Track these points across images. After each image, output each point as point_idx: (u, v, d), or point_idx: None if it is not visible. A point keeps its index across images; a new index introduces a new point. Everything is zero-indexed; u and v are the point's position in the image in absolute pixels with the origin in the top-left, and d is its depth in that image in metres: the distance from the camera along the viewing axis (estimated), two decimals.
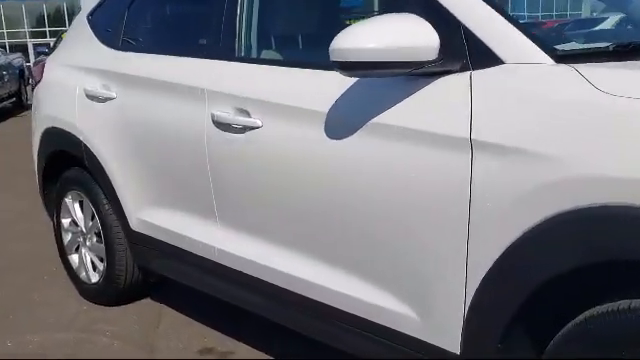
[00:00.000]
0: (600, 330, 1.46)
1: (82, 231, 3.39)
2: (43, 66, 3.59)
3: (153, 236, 2.88)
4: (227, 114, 2.31)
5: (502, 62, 1.62)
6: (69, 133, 3.19)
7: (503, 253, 1.58)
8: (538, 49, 1.60)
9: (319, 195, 2.04)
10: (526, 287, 1.56)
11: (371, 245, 1.92)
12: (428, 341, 1.82)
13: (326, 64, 1.97)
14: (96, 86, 3.02)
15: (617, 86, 1.42)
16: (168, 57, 2.71)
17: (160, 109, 2.64)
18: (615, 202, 1.37)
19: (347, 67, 1.70)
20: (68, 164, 3.37)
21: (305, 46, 2.50)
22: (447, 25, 1.70)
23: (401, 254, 1.84)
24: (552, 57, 1.58)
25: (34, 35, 37.94)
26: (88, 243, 3.36)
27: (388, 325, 1.94)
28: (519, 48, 1.61)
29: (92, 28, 3.26)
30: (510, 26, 1.65)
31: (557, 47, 1.65)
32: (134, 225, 2.96)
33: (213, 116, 2.36)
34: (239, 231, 2.42)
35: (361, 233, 1.93)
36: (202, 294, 2.78)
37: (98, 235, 3.28)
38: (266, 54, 2.42)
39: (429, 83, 1.72)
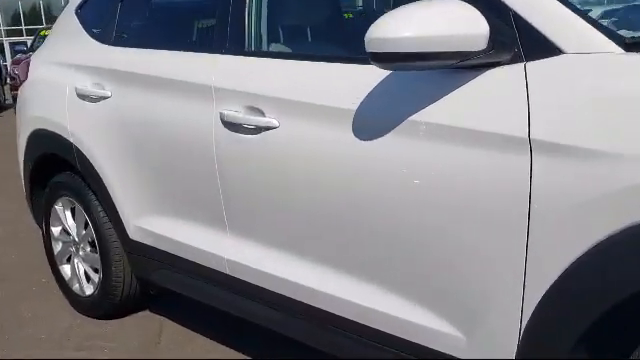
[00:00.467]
0: None
1: (74, 240, 3.17)
2: (28, 64, 3.36)
3: (154, 245, 2.67)
4: (238, 113, 2.11)
5: (561, 52, 1.43)
6: (59, 135, 2.97)
7: (568, 268, 1.40)
8: (603, 37, 1.41)
9: (345, 201, 1.85)
10: (595, 308, 1.38)
11: (409, 258, 1.74)
12: None
13: (354, 56, 1.81)
14: (87, 84, 2.80)
15: None
16: (168, 52, 2.49)
17: (161, 108, 2.43)
18: None
19: (385, 59, 1.51)
20: (58, 168, 3.15)
21: (326, 37, 2.29)
22: (494, 11, 1.51)
23: (444, 268, 1.65)
24: (620, 45, 1.39)
25: (10, 33, 37.28)
26: (81, 253, 3.14)
27: (426, 344, 1.75)
28: (581, 36, 1.43)
29: (81, 22, 3.04)
30: (568, 11, 1.46)
31: (624, 34, 1.47)
32: (132, 234, 2.75)
33: (222, 115, 2.16)
34: (252, 241, 2.22)
35: (396, 245, 1.75)
36: (204, 306, 2.58)
37: (92, 244, 3.07)
38: (281, 47, 2.22)
39: (476, 76, 1.53)
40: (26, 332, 3.13)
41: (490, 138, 1.49)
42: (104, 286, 3.01)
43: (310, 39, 2.30)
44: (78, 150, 2.86)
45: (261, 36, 2.20)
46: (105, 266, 2.96)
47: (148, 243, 2.69)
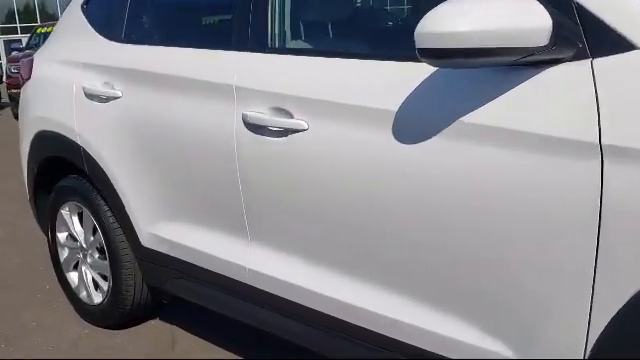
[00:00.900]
0: None
1: (82, 246, 3.03)
2: (31, 62, 3.21)
3: (168, 253, 2.53)
4: (262, 114, 1.97)
5: (634, 47, 1.30)
6: (65, 137, 2.82)
7: None
8: None
9: (383, 209, 1.72)
10: None
11: (455, 272, 1.60)
12: None
13: (391, 53, 1.67)
14: (96, 84, 2.66)
15: None
16: (183, 50, 2.35)
17: (176, 109, 2.29)
18: None
19: (437, 55, 1.37)
20: (64, 171, 3.01)
21: (359, 33, 2.14)
22: (555, 2, 1.38)
23: (500, 281, 1.52)
24: None
25: (4, 31, 36.97)
26: (89, 260, 3.00)
27: None
28: None
29: (88, 19, 2.89)
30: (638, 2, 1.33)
31: None
32: (145, 241, 2.61)
33: (245, 117, 2.02)
34: (277, 250, 2.09)
35: (443, 257, 1.61)
36: (218, 314, 2.45)
37: (101, 251, 2.93)
38: (308, 43, 2.08)
39: (536, 74, 1.40)
40: (32, 342, 3.00)
41: (554, 142, 1.35)
42: (114, 294, 2.87)
43: (341, 35, 2.15)
44: (86, 153, 2.72)
45: (286, 32, 2.07)
46: (115, 274, 2.82)
47: (162, 250, 2.55)
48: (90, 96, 2.69)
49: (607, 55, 1.32)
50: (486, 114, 1.45)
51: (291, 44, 2.08)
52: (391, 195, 1.67)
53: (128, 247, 2.74)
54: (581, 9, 1.36)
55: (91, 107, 2.69)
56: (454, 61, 1.37)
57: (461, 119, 1.49)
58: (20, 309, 3.34)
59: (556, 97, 1.37)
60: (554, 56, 1.37)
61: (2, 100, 14.54)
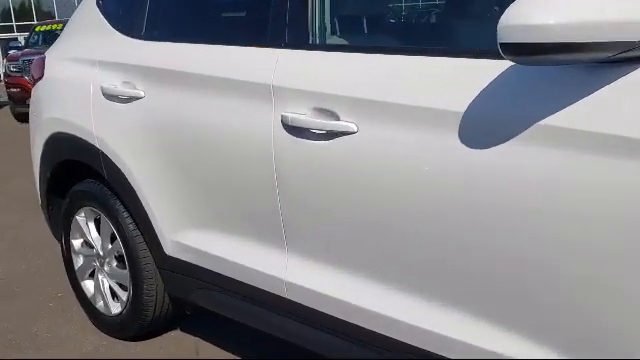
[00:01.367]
0: None
1: (98, 254, 2.88)
2: (43, 61, 3.06)
3: (194, 263, 2.38)
4: (304, 116, 1.83)
5: None
6: (82, 140, 2.67)
7: None
8: None
9: (445, 219, 1.57)
10: None
11: (532, 285, 1.46)
12: None
13: (454, 49, 1.53)
14: (116, 83, 2.51)
15: None
16: (213, 47, 2.21)
17: (206, 110, 2.15)
18: None
19: (523, 51, 1.23)
20: (80, 175, 2.86)
21: (415, 26, 2.00)
22: None
23: (583, 296, 1.38)
24: None
25: (0, 30, 36.70)
26: (106, 268, 2.85)
27: None
28: None
29: (104, 15, 2.74)
30: None
31: None
32: (169, 249, 2.46)
33: (284, 118, 1.88)
34: (318, 261, 1.95)
35: (517, 272, 1.47)
36: (243, 325, 2.31)
37: (119, 259, 2.78)
38: (355, 38, 1.93)
39: (632, 71, 1.25)
40: (48, 354, 2.84)
41: None
42: (134, 305, 2.72)
43: (393, 28, 2.00)
44: (105, 156, 2.57)
45: (330, 26, 1.92)
46: (135, 283, 2.67)
47: (188, 260, 2.41)
48: (109, 96, 2.54)
49: None
50: (570, 116, 1.31)
51: (335, 39, 1.94)
52: (457, 204, 1.53)
53: (150, 256, 2.60)
54: None
55: (110, 108, 2.54)
56: (543, 57, 1.23)
57: (541, 122, 1.35)
58: (32, 319, 3.20)
59: None
60: None
61: (1, 99, 14.35)
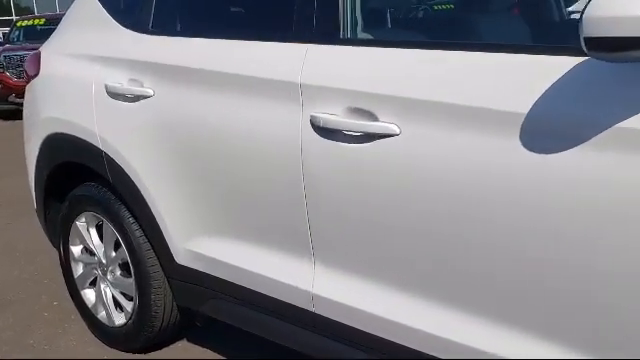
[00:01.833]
0: None
1: (100, 261, 2.71)
2: (38, 56, 2.88)
3: (209, 272, 2.24)
4: (336, 117, 1.70)
5: None
6: (84, 141, 2.51)
7: None
8: None
9: (498, 229, 1.45)
10: None
11: (597, 307, 1.34)
12: None
13: (515, 43, 1.40)
14: (122, 81, 2.35)
15: None
16: (230, 42, 2.06)
17: (223, 111, 2.00)
18: None
19: (614, 46, 1.10)
20: (79, 179, 2.70)
21: (464, 18, 1.85)
22: None
23: None
24: None
25: None
26: (109, 277, 2.69)
27: None
28: None
29: (106, 8, 2.58)
30: None
31: None
32: (180, 258, 2.31)
33: (314, 119, 1.74)
34: (349, 273, 1.81)
35: (596, 286, 1.34)
36: (253, 335, 2.18)
37: (123, 267, 2.62)
38: (393, 32, 1.79)
39: None
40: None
41: None
42: (140, 316, 2.56)
43: (439, 20, 1.86)
44: (110, 159, 2.41)
45: (364, 18, 1.77)
46: (142, 293, 2.51)
47: (201, 269, 2.26)
48: (114, 95, 2.38)
49: None
50: None
51: (370, 34, 1.79)
52: (527, 213, 1.39)
53: (158, 264, 2.44)
54: None
55: (115, 107, 2.38)
56: (633, 53, 1.10)
57: (618, 125, 1.22)
58: (27, 329, 3.03)
59: None
60: None
61: None
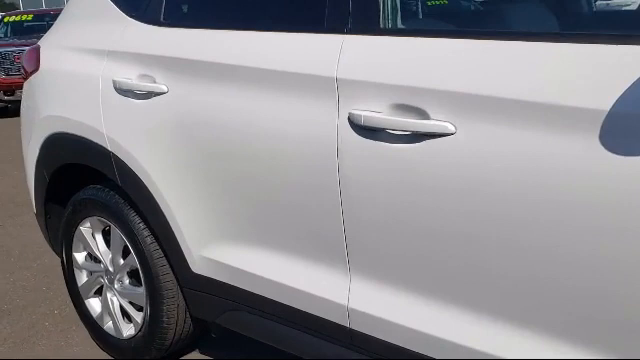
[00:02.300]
0: None
1: (107, 269, 2.54)
2: (37, 51, 2.70)
3: (229, 282, 2.07)
4: (379, 114, 1.54)
5: None
6: (90, 141, 2.33)
7: None
8: None
9: (569, 237, 1.30)
10: None
11: None
12: None
13: (589, 33, 1.25)
14: (132, 76, 2.18)
15: None
16: (255, 33, 1.89)
17: (249, 109, 1.84)
18: None
19: None
20: (83, 181, 2.52)
21: (531, 7, 1.70)
22: None
23: None
24: None
25: None
26: (117, 285, 2.52)
27: None
28: None
29: None
30: None
31: None
32: (197, 267, 2.15)
33: (352, 117, 1.58)
34: (390, 286, 1.65)
35: None
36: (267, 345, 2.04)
37: (132, 275, 2.46)
38: (440, 21, 1.63)
39: None
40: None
41: None
42: (151, 327, 2.40)
43: (497, 7, 1.70)
44: (118, 160, 2.24)
45: (407, 6, 1.61)
46: (154, 304, 2.35)
47: (220, 279, 2.10)
48: (123, 91, 2.20)
49: None
50: None
51: (416, 23, 1.64)
52: (587, 226, 1.25)
53: (171, 272, 2.28)
54: None
55: (124, 105, 2.20)
56: None
57: None
58: (28, 341, 2.86)
59: None
60: None
61: None
